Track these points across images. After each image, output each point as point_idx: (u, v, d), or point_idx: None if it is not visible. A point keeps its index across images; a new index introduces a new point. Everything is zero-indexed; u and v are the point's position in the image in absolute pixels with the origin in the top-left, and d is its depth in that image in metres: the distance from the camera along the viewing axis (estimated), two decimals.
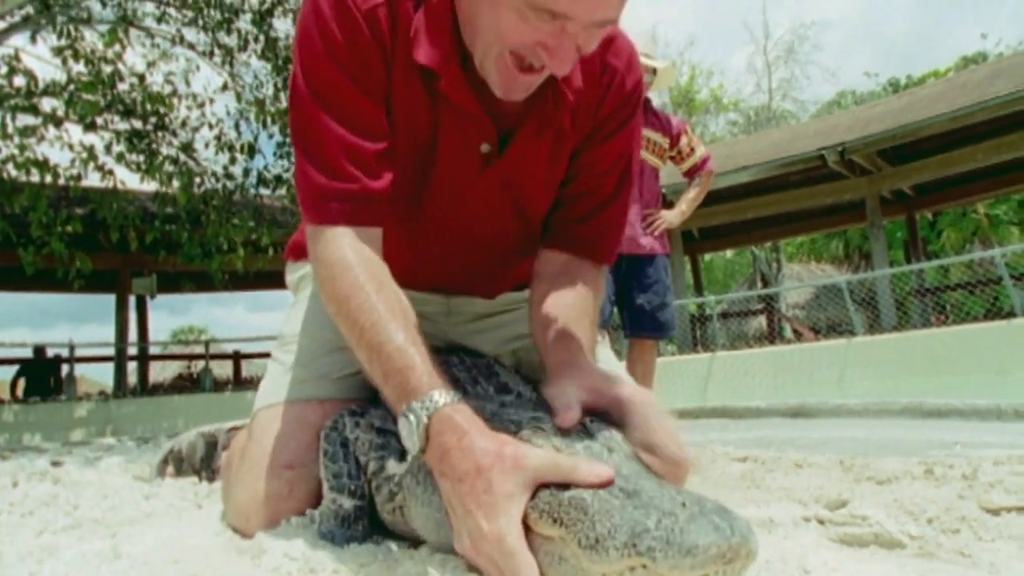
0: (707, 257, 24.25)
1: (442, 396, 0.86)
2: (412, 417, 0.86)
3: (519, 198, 1.19)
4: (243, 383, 15.68)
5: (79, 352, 13.49)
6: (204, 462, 1.76)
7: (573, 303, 1.12)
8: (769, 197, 14.12)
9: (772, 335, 14.83)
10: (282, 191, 9.80)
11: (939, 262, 14.15)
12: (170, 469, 1.81)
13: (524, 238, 1.28)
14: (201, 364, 15.35)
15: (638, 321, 3.66)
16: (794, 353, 10.62)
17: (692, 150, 3.85)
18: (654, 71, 3.62)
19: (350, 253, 1.00)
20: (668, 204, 4.04)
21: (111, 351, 14.03)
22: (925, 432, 2.90)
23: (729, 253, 27.01)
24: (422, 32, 1.01)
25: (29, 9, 8.67)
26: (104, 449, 5.60)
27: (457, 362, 1.22)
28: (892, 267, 13.16)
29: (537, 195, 1.20)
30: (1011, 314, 9.62)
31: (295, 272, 1.45)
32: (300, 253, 1.43)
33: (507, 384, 1.18)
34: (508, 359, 1.40)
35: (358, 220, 1.02)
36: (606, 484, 0.73)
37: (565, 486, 0.74)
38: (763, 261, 23.58)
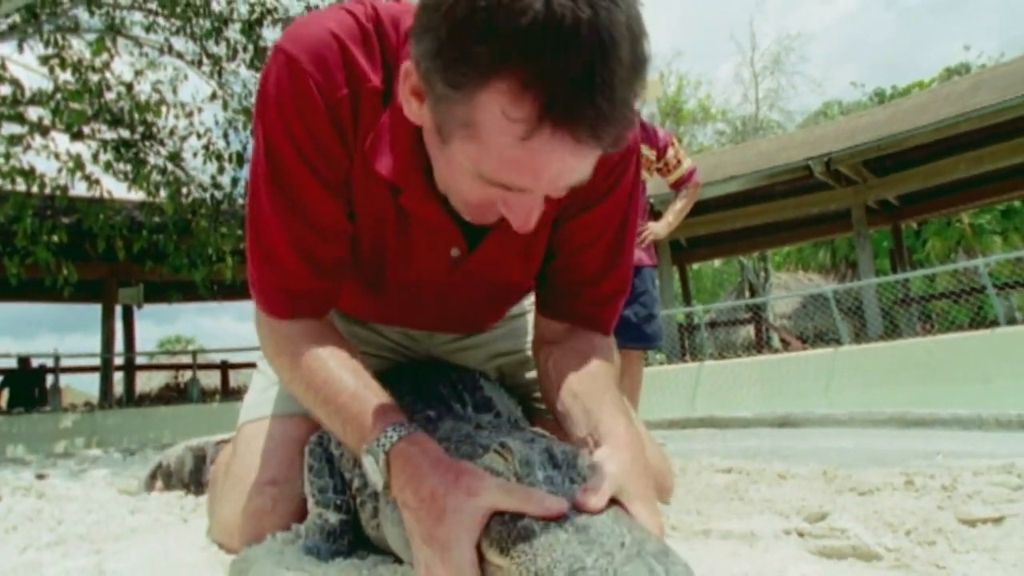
0: (695, 266, 24.36)
1: (397, 430, 0.87)
2: (371, 456, 0.87)
3: (493, 284, 1.17)
4: (231, 393, 15.58)
5: (64, 362, 13.39)
6: (192, 476, 1.76)
7: (595, 371, 1.06)
8: (756, 207, 14.22)
9: (760, 344, 14.90)
10: None
11: (924, 271, 14.28)
12: (158, 483, 1.81)
13: (502, 303, 1.28)
14: (188, 374, 15.25)
15: (625, 332, 3.66)
16: (781, 362, 10.68)
17: (679, 162, 3.85)
18: None
19: (297, 330, 1.01)
20: (655, 215, 4.06)
21: (97, 361, 13.93)
22: (909, 442, 2.92)
23: (717, 262, 27.14)
24: (384, 139, 0.95)
25: (16, 18, 8.64)
26: (89, 461, 5.55)
27: (442, 376, 1.23)
28: (878, 276, 13.27)
29: (512, 277, 1.17)
30: (995, 323, 9.72)
31: None
32: None
33: (490, 399, 1.19)
34: (493, 374, 1.41)
35: (307, 313, 1.02)
36: (557, 517, 0.73)
37: (520, 515, 0.74)
38: (751, 270, 23.70)
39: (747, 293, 23.00)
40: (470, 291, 1.18)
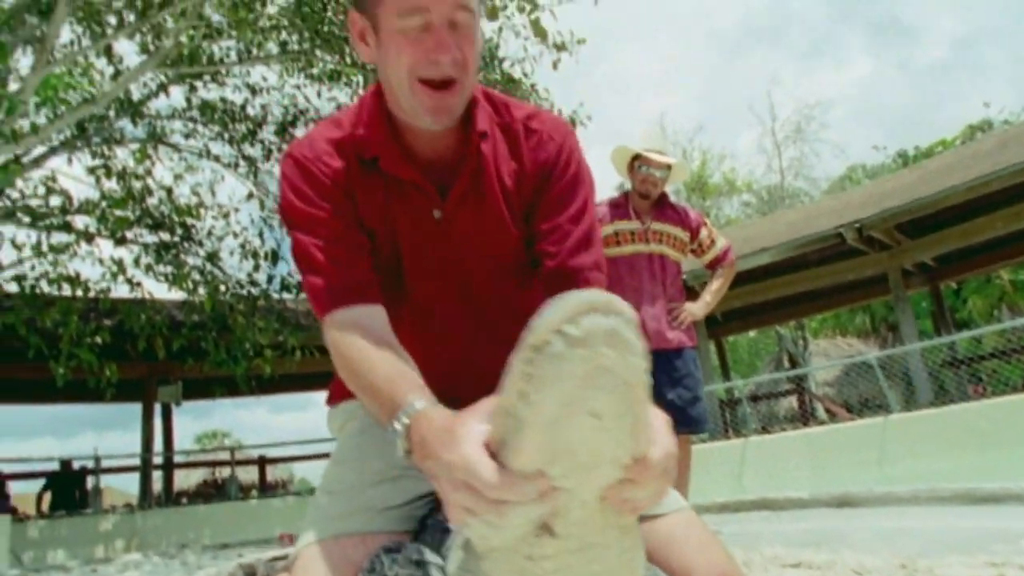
0: (730, 337, 24.06)
1: (421, 402, 0.94)
2: (397, 425, 0.94)
3: (490, 255, 1.29)
4: (269, 488, 15.49)
5: (105, 463, 13.43)
6: None
7: None
8: (790, 276, 14.07)
9: (805, 416, 14.50)
10: (305, 295, 9.95)
11: (970, 333, 13.88)
12: None
13: (515, 299, 1.32)
14: (226, 470, 15.19)
15: (671, 416, 3.59)
16: (830, 434, 10.34)
17: (713, 242, 3.84)
18: (668, 167, 3.70)
19: (352, 328, 1.13)
20: (691, 294, 4.02)
21: (137, 461, 13.95)
22: (981, 520, 2.77)
23: (752, 332, 26.79)
24: (364, 138, 1.24)
25: (67, 132, 9.13)
26: (132, 567, 5.50)
27: None
28: (921, 338, 12.94)
29: (499, 247, 1.30)
30: None
31: (337, 416, 1.44)
32: (337, 396, 1.43)
33: None
34: None
35: (352, 300, 1.17)
36: None
37: None
38: (788, 340, 23.30)
39: (786, 361, 22.55)
40: (476, 283, 1.30)
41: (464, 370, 1.31)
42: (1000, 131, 16.55)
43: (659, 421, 0.77)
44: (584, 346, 0.62)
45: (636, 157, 3.68)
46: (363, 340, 1.11)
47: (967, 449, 8.57)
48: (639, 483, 0.73)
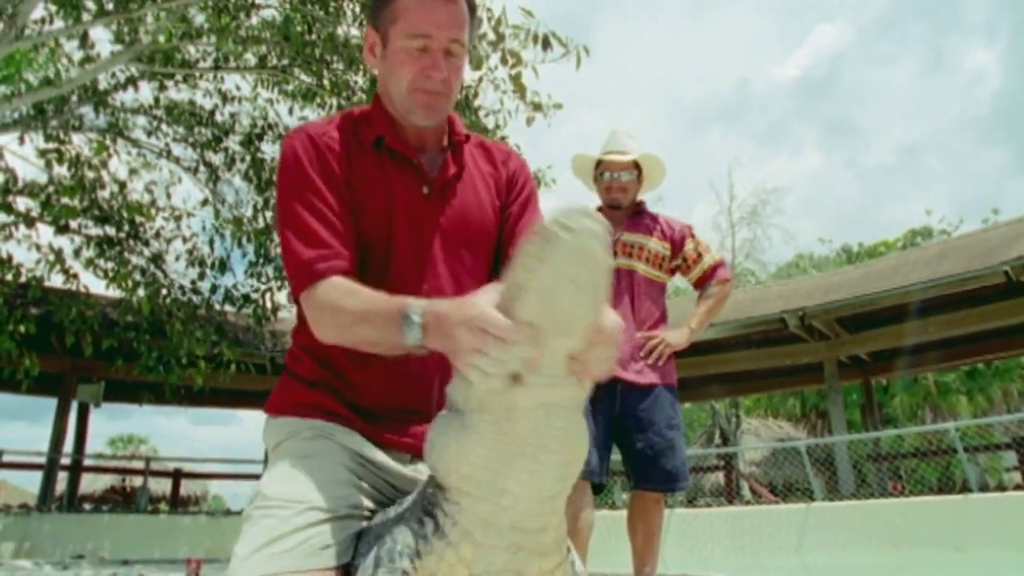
0: None
1: (431, 301, 1.09)
2: (414, 316, 1.07)
3: (465, 232, 1.45)
4: (181, 503, 14.83)
5: (6, 457, 12.68)
6: None
7: None
8: (731, 354, 14.35)
9: (731, 493, 14.64)
10: (248, 310, 9.70)
11: (896, 431, 14.33)
12: None
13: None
14: (136, 477, 14.46)
15: (640, 470, 2.93)
16: (753, 515, 10.43)
17: (699, 256, 3.23)
18: (634, 165, 3.17)
19: (341, 286, 1.24)
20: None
21: (42, 459, 13.15)
22: None
23: (687, 404, 27.09)
24: (367, 122, 1.43)
25: (24, 110, 8.82)
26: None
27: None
28: (849, 428, 13.25)
29: (479, 228, 1.47)
30: (967, 488, 9.65)
31: (274, 428, 1.39)
32: (279, 408, 1.40)
33: None
34: None
35: (335, 271, 1.26)
36: None
37: None
38: (722, 416, 23.62)
39: (718, 437, 22.83)
40: (451, 256, 1.42)
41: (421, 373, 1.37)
42: (940, 240, 17.38)
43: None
44: (579, 236, 0.85)
45: (599, 164, 3.23)
46: (358, 290, 1.23)
47: (884, 545, 8.74)
48: (595, 345, 0.92)
